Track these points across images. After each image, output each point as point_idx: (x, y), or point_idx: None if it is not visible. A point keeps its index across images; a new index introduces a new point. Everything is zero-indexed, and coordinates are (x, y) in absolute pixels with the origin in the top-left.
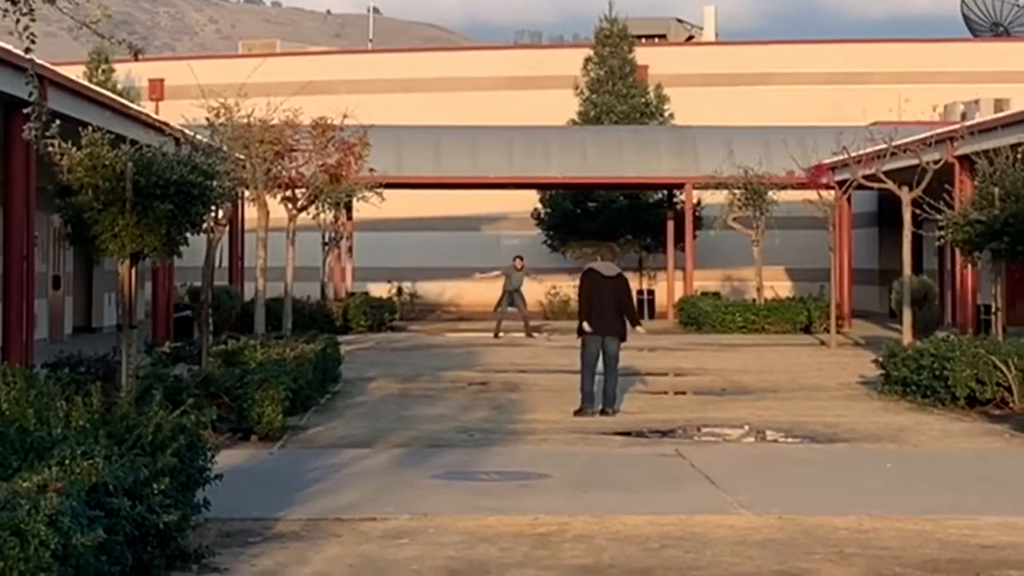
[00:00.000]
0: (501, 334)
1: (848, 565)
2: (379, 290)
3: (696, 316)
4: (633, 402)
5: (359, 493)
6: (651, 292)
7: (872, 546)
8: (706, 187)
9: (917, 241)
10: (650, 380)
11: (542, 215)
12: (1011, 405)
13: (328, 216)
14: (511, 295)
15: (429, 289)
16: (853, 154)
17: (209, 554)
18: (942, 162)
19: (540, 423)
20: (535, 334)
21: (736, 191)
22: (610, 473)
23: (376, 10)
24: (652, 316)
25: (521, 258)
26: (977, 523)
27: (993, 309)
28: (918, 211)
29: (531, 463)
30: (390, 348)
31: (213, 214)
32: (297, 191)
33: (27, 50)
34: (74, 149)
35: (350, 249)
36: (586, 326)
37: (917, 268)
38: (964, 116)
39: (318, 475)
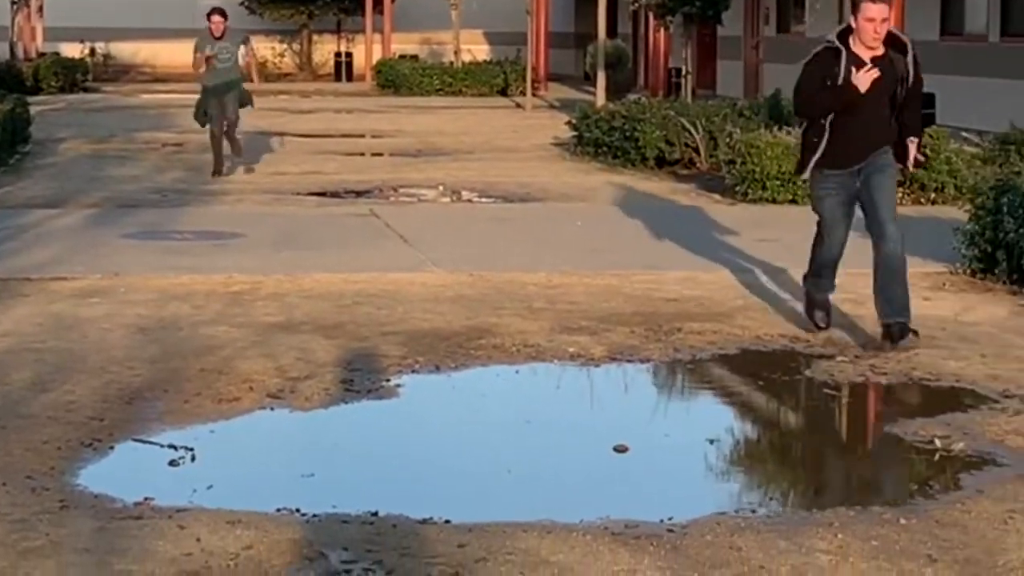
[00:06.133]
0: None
1: (535, 319)
2: (71, 51)
3: (394, 79)
4: (328, 163)
5: (49, 253)
6: (349, 55)
7: (560, 301)
8: None
9: (612, 5)
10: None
11: None
12: (698, 165)
13: None
14: (219, 94)
15: (123, 50)
16: None
17: None
18: None
19: (235, 184)
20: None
21: None
22: (305, 233)
23: None
24: (350, 79)
25: (221, 13)
26: (662, 278)
27: (683, 72)
28: None
29: (226, 223)
30: (83, 109)
31: None
32: None
33: None
34: None
35: (40, 8)
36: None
37: (612, 32)
38: None
39: (6, 235)
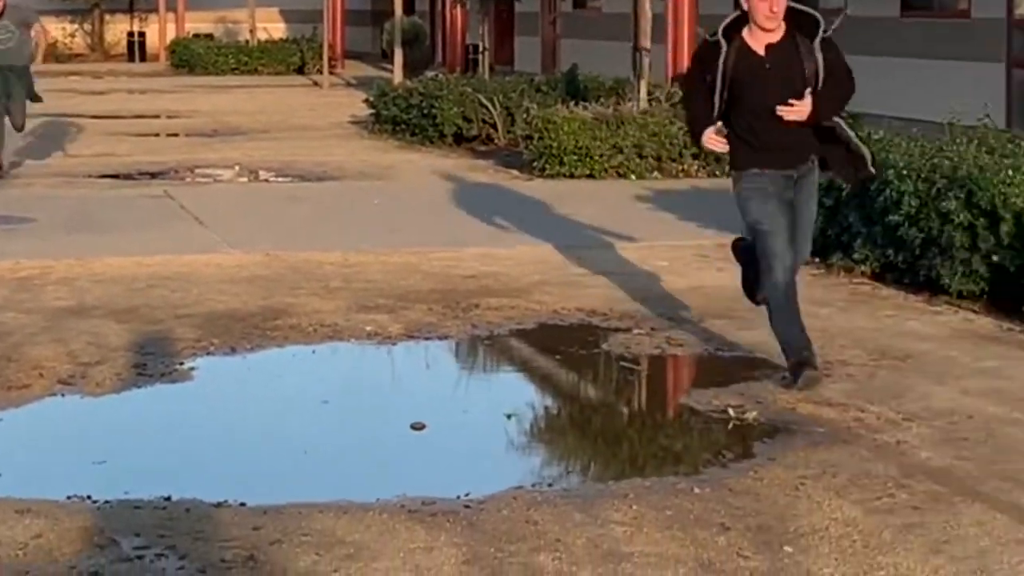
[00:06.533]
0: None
1: (332, 298)
2: None
3: (188, 58)
4: (121, 145)
5: None
6: (142, 35)
7: (357, 280)
8: None
9: None
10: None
11: None
12: (496, 141)
13: None
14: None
15: None
16: None
17: None
18: None
19: (24, 166)
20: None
21: None
22: (97, 215)
23: None
24: (143, 59)
25: None
26: (460, 255)
27: (481, 49)
28: None
29: (15, 207)
30: None
31: None
32: None
33: None
34: None
35: None
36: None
37: (409, 9)
38: None
39: None
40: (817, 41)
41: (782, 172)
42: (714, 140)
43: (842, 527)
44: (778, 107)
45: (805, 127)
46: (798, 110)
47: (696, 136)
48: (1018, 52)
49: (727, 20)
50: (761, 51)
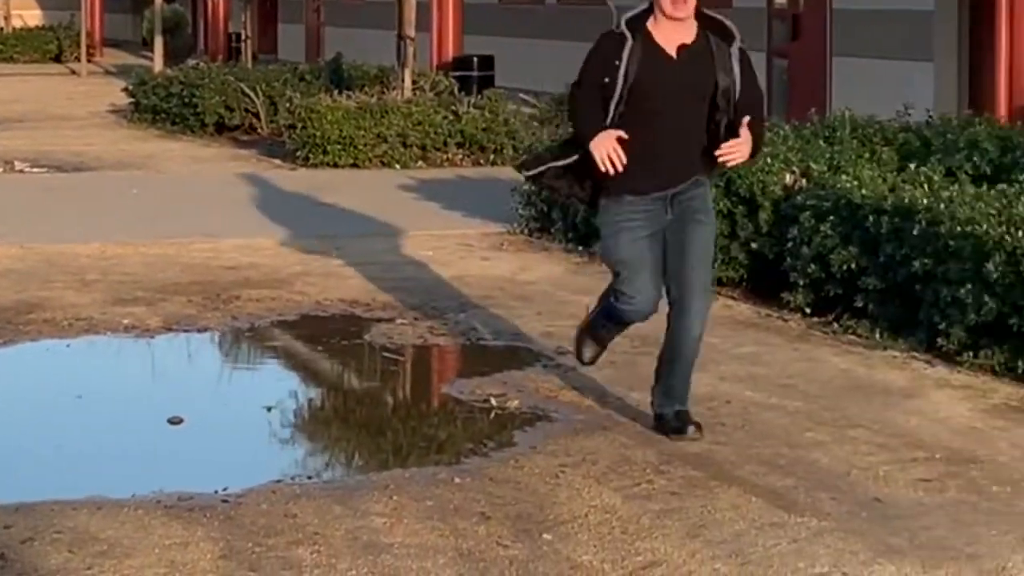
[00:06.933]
0: None
1: (88, 291)
2: None
3: None
4: None
5: None
6: None
7: (114, 272)
8: None
9: None
10: None
11: None
12: (259, 130)
13: None
14: None
15: None
16: None
17: None
18: None
19: None
20: None
21: None
22: None
23: None
24: None
25: None
26: (220, 246)
27: (243, 37)
28: None
29: None
30: None
31: None
32: None
33: None
34: None
35: None
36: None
37: None
38: None
39: None
40: (735, 49)
41: (659, 194)
42: (611, 152)
43: (601, 514)
44: (718, 152)
45: (698, 144)
46: (740, 152)
47: (585, 139)
48: (777, 41)
49: (633, 12)
50: (672, 52)
